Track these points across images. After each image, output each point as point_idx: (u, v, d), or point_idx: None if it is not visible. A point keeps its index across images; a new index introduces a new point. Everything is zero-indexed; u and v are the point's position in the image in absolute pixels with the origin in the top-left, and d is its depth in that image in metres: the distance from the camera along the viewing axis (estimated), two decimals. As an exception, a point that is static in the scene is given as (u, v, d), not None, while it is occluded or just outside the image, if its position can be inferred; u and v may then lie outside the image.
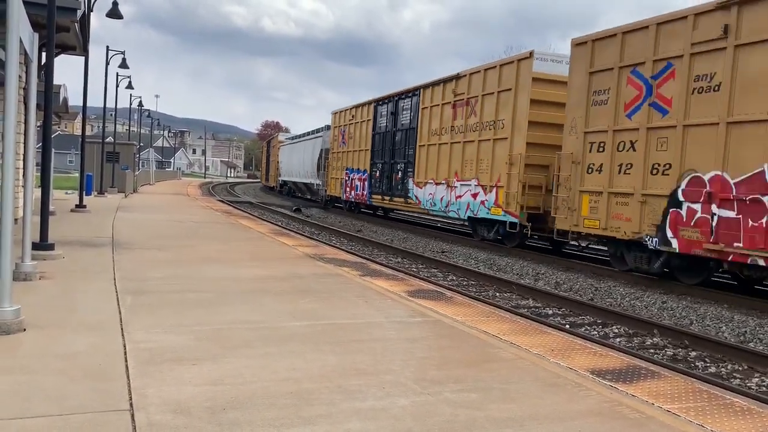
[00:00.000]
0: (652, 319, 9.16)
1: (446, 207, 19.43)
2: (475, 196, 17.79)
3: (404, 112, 23.10)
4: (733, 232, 10.12)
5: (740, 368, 7.04)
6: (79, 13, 11.19)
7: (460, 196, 18.61)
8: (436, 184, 20.05)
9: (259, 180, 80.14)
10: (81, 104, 21.15)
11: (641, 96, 12.13)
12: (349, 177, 28.50)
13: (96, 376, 3.94)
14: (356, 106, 27.96)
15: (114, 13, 20.02)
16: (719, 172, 10.43)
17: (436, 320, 6.06)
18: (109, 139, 34.99)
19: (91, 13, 16.76)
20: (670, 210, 11.27)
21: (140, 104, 51.73)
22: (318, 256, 10.31)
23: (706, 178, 10.68)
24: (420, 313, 6.32)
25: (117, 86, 34.36)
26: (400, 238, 19.81)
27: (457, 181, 18.73)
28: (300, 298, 6.79)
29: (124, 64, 29.86)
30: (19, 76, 6.63)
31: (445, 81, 19.83)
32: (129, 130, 55.88)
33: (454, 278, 12.41)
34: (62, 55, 14.39)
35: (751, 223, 9.87)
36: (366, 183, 26.34)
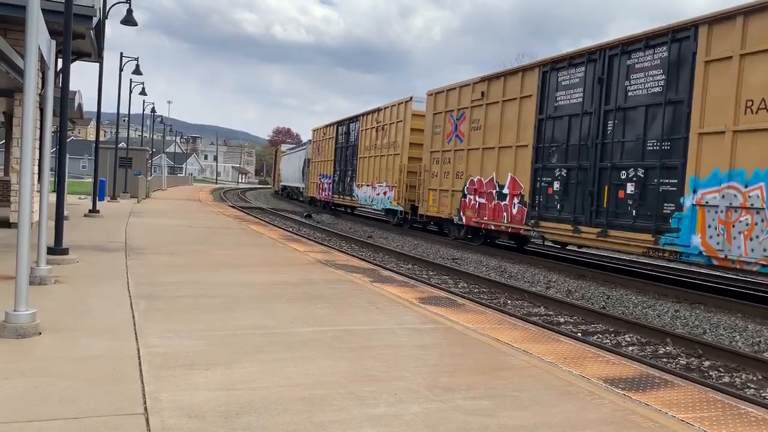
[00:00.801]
0: (665, 327, 9.10)
1: (371, 201, 27.27)
2: (385, 193, 25.44)
3: (352, 133, 30.61)
4: (483, 211, 17.83)
5: (755, 378, 6.98)
6: (95, 20, 11.33)
7: (379, 194, 26.27)
8: (367, 185, 27.74)
9: (270, 186, 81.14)
10: (94, 110, 21.36)
11: (452, 130, 19.77)
12: (321, 181, 36.41)
13: (111, 380, 3.98)
14: (325, 126, 35.93)
15: (128, 21, 20.23)
16: (479, 176, 18.03)
17: (447, 327, 6.06)
18: (122, 144, 35.28)
19: (106, 20, 16.97)
20: (461, 199, 18.97)
21: (153, 110, 52.19)
22: (329, 262, 10.34)
23: (474, 179, 18.32)
24: (431, 320, 6.32)
25: (130, 92, 34.70)
26: (411, 244, 19.82)
27: (377, 183, 26.42)
28: (312, 304, 6.81)
29: (137, 71, 30.12)
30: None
31: (372, 112, 27.56)
32: (142, 135, 56.30)
33: (465, 285, 12.39)
34: (77, 62, 14.56)
35: (488, 205, 17.49)
36: (331, 186, 34.02)
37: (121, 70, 28.22)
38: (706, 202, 10.88)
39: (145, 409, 3.50)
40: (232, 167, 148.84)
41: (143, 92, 37.55)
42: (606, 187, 13.27)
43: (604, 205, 13.29)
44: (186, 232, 15.02)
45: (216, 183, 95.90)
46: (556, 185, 14.82)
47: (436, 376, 4.45)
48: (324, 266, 9.92)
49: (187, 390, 3.84)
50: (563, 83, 14.89)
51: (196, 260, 9.97)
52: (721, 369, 7.29)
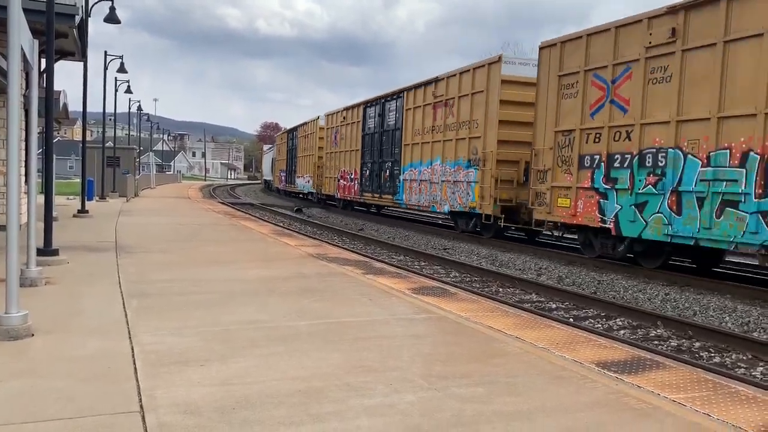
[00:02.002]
0: (655, 311, 9.18)
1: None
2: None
3: (296, 139, 37.49)
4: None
5: (744, 357, 7.07)
6: (78, 18, 11.23)
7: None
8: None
9: (259, 182, 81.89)
10: (80, 110, 21.19)
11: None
12: (280, 175, 45.59)
13: (105, 379, 3.98)
14: (282, 133, 45.22)
15: (111, 18, 20.03)
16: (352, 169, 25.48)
17: (440, 317, 6.09)
18: (109, 143, 35.05)
19: (89, 18, 16.80)
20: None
21: (139, 108, 51.76)
22: (321, 256, 10.34)
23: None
24: (425, 310, 6.35)
25: (116, 91, 34.40)
26: (402, 236, 19.84)
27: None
28: (305, 297, 6.82)
29: (122, 69, 29.86)
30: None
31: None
32: (129, 134, 55.91)
33: (457, 275, 12.44)
34: (61, 62, 14.43)
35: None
36: (284, 177, 43.74)
37: (105, 68, 27.99)
38: (407, 179, 22.33)
39: (141, 406, 3.51)
40: (221, 163, 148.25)
41: (129, 90, 37.25)
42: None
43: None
44: (176, 229, 14.96)
45: (205, 180, 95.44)
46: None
47: (431, 364, 4.48)
48: (316, 260, 9.92)
49: (183, 386, 3.85)
50: None
51: (188, 257, 9.95)
52: (711, 350, 7.38)
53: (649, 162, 11.74)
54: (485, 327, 5.67)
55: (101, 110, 28.80)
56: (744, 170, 9.96)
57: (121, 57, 29.33)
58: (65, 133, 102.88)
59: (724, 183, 10.27)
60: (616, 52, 12.49)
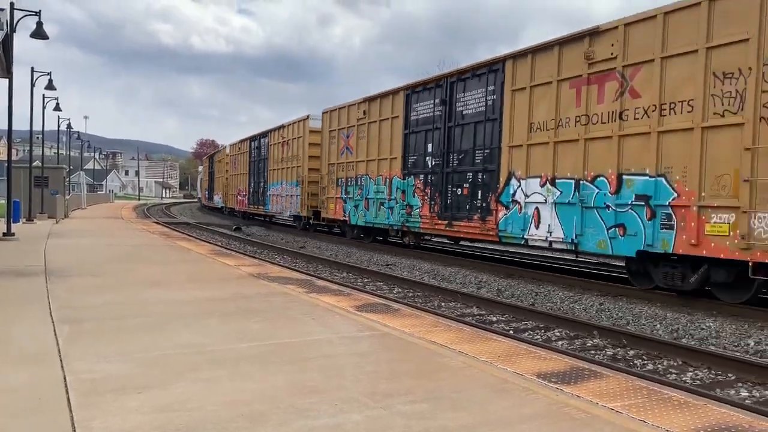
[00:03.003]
0: (591, 320, 9.46)
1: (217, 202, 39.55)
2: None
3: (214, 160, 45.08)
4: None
5: (675, 364, 7.35)
6: (1, 34, 10.82)
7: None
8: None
9: (196, 200, 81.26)
10: (5, 128, 20.29)
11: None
12: (205, 193, 54.42)
13: (37, 411, 3.80)
14: (216, 152, 50.43)
15: (39, 34, 19.34)
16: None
17: (384, 333, 6.10)
18: (37, 163, 33.69)
19: (14, 33, 16.18)
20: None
21: (69, 126, 50.01)
22: (262, 275, 10.21)
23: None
24: (368, 327, 6.34)
25: (44, 108, 33.17)
26: (344, 252, 19.81)
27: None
28: (246, 318, 6.71)
29: (50, 86, 28.82)
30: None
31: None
32: (58, 153, 53.91)
33: (400, 290, 12.50)
34: (-16, 78, 13.84)
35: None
36: (207, 193, 50.90)
37: (32, 85, 26.94)
38: (271, 194, 30.98)
39: (76, 438, 3.36)
40: (155, 182, 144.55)
41: (57, 108, 35.92)
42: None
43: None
44: (109, 251, 14.49)
45: (139, 199, 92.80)
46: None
47: (376, 382, 4.48)
48: (256, 279, 9.78)
49: (119, 415, 3.72)
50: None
51: (122, 280, 9.64)
52: (644, 357, 7.65)
53: (359, 182, 21.12)
54: (429, 342, 5.71)
55: (28, 128, 27.67)
56: (386, 187, 19.32)
57: (49, 73, 28.34)
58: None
59: (381, 193, 19.67)
60: (349, 119, 21.78)
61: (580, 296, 11.59)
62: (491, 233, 14.73)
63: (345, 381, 4.49)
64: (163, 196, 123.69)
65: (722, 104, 9.67)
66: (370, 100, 20.40)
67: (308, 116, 26.40)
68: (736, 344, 8.18)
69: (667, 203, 10.43)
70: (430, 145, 17.31)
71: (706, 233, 9.79)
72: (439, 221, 16.76)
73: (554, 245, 13.11)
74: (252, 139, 35.68)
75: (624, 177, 11.23)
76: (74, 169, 65.40)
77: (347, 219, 22.09)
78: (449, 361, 5.09)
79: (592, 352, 7.85)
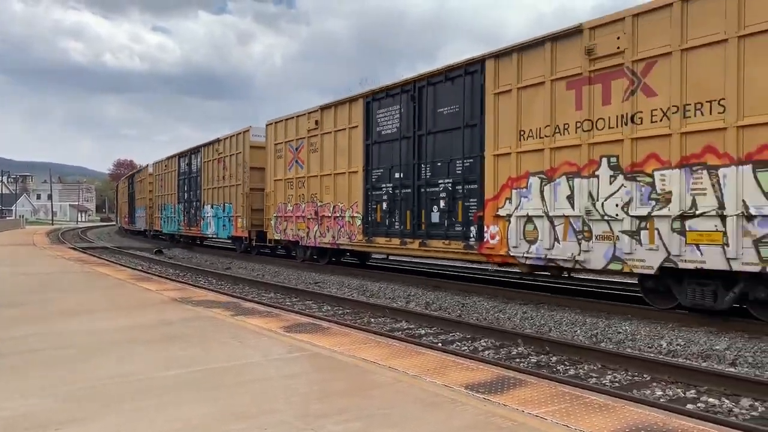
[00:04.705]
0: (515, 329, 9.76)
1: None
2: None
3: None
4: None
5: (595, 367, 7.69)
6: None
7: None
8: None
9: (114, 223, 78.30)
10: None
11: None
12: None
13: (-53, 457, 3.59)
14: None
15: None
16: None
17: (314, 353, 6.10)
18: (-62, 189, 31.66)
19: None
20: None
21: (-28, 149, 47.24)
22: (186, 300, 9.98)
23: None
24: (298, 348, 6.32)
25: (-56, 131, 31.22)
26: (272, 272, 19.58)
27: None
28: (171, 345, 6.55)
29: (-49, 107, 27.23)
30: None
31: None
32: (-40, 177, 50.79)
33: (329, 308, 12.48)
34: None
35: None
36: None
37: (-70, 107, 25.37)
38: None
39: (-7, 482, 3.21)
40: (70, 205, 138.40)
41: (-41, 130, 33.95)
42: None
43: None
44: (22, 280, 13.77)
45: (53, 224, 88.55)
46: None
47: (307, 404, 4.48)
48: (180, 304, 9.56)
49: (41, 455, 3.56)
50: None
51: (38, 311, 9.19)
52: (566, 362, 7.96)
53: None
54: (359, 359, 5.76)
55: (-73, 153, 25.98)
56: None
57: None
58: None
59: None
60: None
61: (505, 305, 11.92)
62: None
63: (276, 404, 4.47)
64: (79, 219, 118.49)
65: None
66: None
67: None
68: (650, 345, 8.63)
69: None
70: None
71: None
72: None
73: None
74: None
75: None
76: (-21, 194, 61.78)
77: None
78: (380, 378, 5.15)
79: (518, 360, 8.10)
